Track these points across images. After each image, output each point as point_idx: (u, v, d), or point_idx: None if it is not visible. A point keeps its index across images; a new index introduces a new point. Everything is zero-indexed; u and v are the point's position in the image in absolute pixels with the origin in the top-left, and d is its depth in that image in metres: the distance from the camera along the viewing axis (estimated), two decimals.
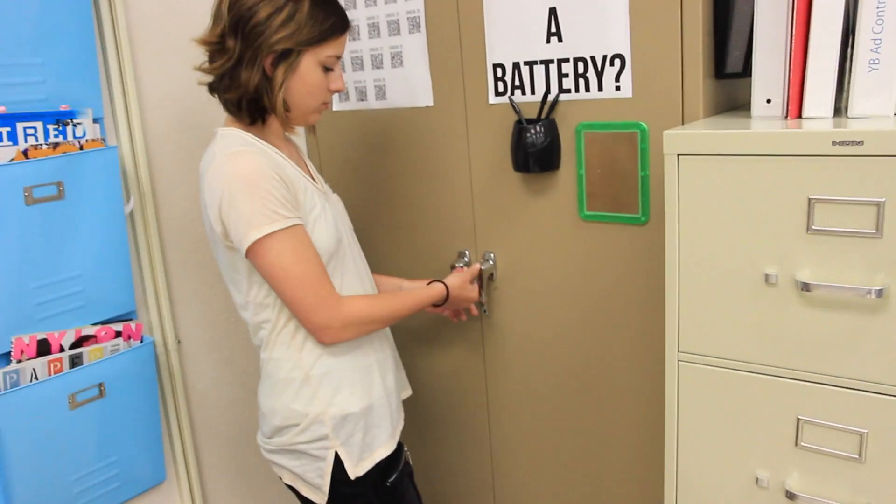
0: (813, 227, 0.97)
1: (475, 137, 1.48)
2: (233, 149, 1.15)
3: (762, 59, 1.10)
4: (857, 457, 1.00)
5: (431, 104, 1.52)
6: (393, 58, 1.56)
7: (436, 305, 1.42)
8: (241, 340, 1.73)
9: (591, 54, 1.28)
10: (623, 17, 1.22)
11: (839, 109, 1.08)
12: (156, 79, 1.49)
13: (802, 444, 1.04)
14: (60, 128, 1.26)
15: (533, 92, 1.38)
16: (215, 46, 1.17)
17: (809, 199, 0.96)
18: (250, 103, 1.18)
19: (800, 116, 1.08)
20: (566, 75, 1.33)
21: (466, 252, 1.56)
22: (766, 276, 1.01)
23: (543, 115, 1.34)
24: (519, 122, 1.36)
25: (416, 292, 1.36)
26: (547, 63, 1.35)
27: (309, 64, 1.19)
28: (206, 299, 1.65)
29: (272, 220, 1.12)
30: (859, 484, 1.01)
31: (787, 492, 1.06)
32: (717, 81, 1.23)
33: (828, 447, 1.02)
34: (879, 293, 0.93)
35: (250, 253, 1.14)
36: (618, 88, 1.26)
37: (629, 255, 1.33)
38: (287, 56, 1.17)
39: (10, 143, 1.20)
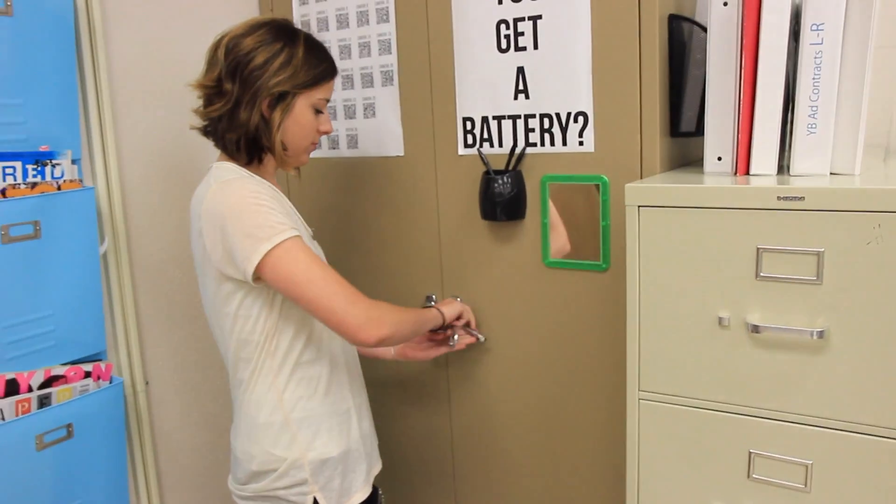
0: (761, 274, 1.06)
1: (444, 186, 1.55)
2: (229, 177, 1.19)
3: (713, 121, 1.21)
4: (803, 486, 1.08)
5: (402, 154, 1.59)
6: (366, 108, 1.62)
7: (433, 332, 1.45)
8: (208, 384, 1.73)
9: (556, 111, 1.37)
10: (586, 78, 1.32)
11: (782, 167, 1.19)
12: (134, 122, 1.52)
13: (754, 475, 1.11)
14: (39, 168, 1.28)
15: (501, 145, 1.46)
16: (212, 90, 1.22)
17: (758, 249, 1.05)
18: (249, 143, 1.23)
19: (747, 173, 1.19)
20: (532, 130, 1.41)
21: (433, 296, 1.62)
22: (720, 319, 1.10)
23: (511, 167, 1.42)
24: (487, 172, 1.43)
25: (424, 311, 1.38)
26: (514, 118, 1.43)
27: (302, 106, 1.24)
28: (175, 342, 1.65)
29: (279, 231, 1.13)
30: None
31: None
32: (671, 139, 1.33)
33: (777, 478, 1.09)
34: (821, 334, 1.02)
35: (262, 267, 1.13)
36: (581, 143, 1.36)
37: (590, 299, 1.41)
38: (283, 98, 1.22)
39: None
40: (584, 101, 1.33)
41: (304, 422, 1.25)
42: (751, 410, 1.10)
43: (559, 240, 1.41)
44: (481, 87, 1.45)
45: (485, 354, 1.56)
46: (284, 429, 1.24)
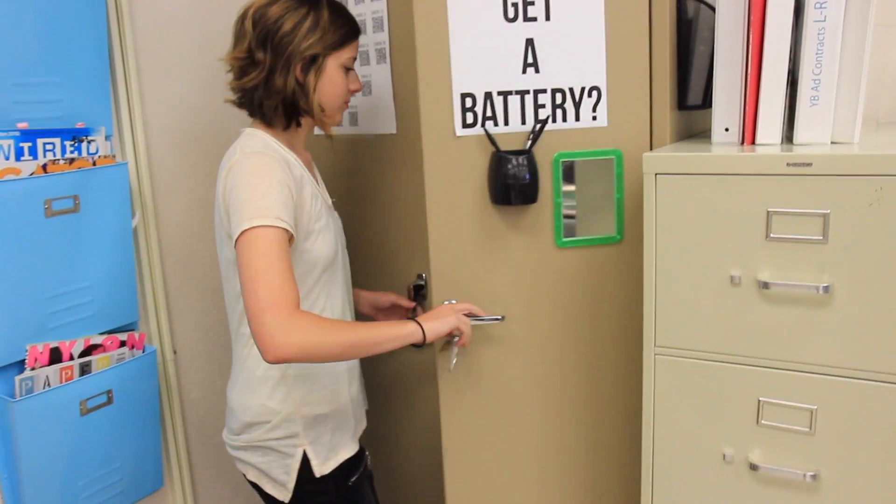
0: (771, 235, 1.14)
1: (439, 166, 1.43)
2: (253, 149, 1.22)
3: (721, 94, 1.29)
4: (808, 430, 1.18)
5: (395, 132, 1.52)
6: (364, 86, 1.59)
7: (417, 346, 1.29)
8: (231, 353, 1.79)
9: (571, 85, 1.40)
10: (601, 51, 1.37)
11: (785, 137, 1.28)
12: (160, 97, 1.56)
13: (762, 421, 1.21)
14: (76, 144, 1.32)
15: (507, 123, 1.39)
16: (245, 61, 1.25)
17: (768, 211, 1.14)
18: (287, 108, 1.27)
19: (753, 143, 1.27)
20: (542, 106, 1.38)
21: (423, 274, 1.51)
22: (732, 278, 1.19)
23: (529, 147, 1.36)
24: (498, 153, 1.36)
25: (385, 328, 1.23)
26: (523, 93, 1.39)
27: (333, 66, 1.29)
28: (201, 312, 1.71)
29: (262, 215, 1.12)
30: (811, 454, 1.18)
31: (750, 464, 1.22)
32: (679, 112, 1.41)
33: (784, 423, 1.19)
34: (826, 289, 1.11)
35: (237, 243, 1.14)
36: (594, 118, 1.41)
37: (606, 272, 1.45)
38: (315, 61, 1.26)
39: (31, 157, 1.25)
40: (599, 76, 1.38)
41: (300, 379, 1.30)
42: (760, 361, 1.19)
43: None
44: (485, 59, 1.37)
45: (502, 339, 1.51)
46: (281, 383, 1.29)
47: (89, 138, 1.34)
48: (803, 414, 1.18)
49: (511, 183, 1.35)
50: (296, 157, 1.30)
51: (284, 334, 1.07)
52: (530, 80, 1.38)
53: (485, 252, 1.45)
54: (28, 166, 1.25)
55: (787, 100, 1.26)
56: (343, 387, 1.37)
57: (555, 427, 1.56)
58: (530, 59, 1.37)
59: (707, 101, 1.38)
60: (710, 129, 1.36)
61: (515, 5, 1.34)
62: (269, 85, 1.25)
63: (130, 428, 1.44)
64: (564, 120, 1.41)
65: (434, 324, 1.28)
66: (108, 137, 1.39)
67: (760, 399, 1.20)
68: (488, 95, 1.38)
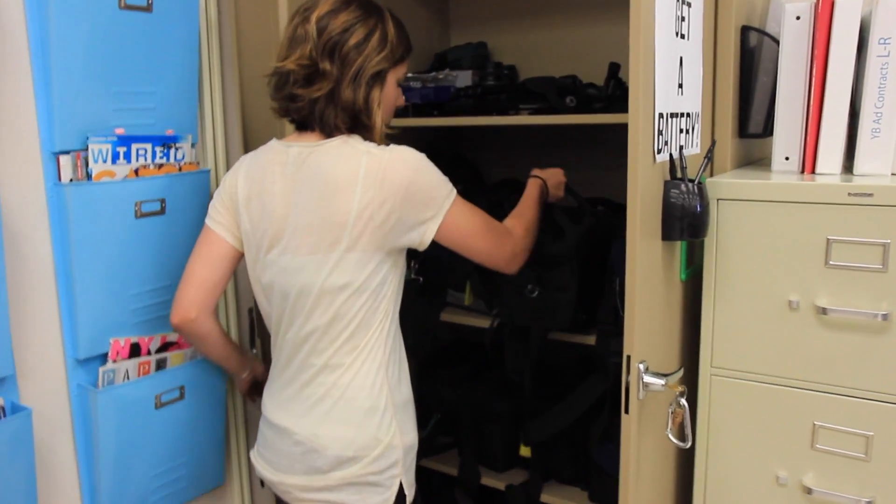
0: (830, 262, 1.18)
1: None
2: (393, 147, 1.20)
3: (783, 123, 1.33)
4: (864, 456, 1.19)
5: None
6: None
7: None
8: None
9: (696, 110, 1.30)
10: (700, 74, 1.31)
11: (844, 168, 1.31)
12: (239, 109, 1.65)
13: (817, 445, 1.23)
14: (165, 150, 1.40)
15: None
16: (310, 69, 1.17)
17: (828, 239, 1.17)
18: (350, 121, 1.19)
19: (813, 172, 1.31)
20: (684, 131, 1.26)
21: None
22: (790, 303, 1.22)
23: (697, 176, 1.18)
24: (677, 179, 1.18)
25: (526, 198, 1.42)
26: (678, 116, 1.22)
27: (391, 82, 1.24)
28: None
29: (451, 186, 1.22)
30: (866, 480, 1.20)
31: (804, 488, 1.24)
32: (740, 140, 1.45)
33: (839, 448, 1.21)
34: (885, 317, 1.14)
35: (448, 216, 1.21)
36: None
37: None
38: (379, 76, 1.21)
39: (126, 161, 1.34)
40: (698, 100, 1.32)
41: (402, 406, 1.25)
42: (816, 386, 1.22)
43: None
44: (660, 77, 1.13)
45: None
46: (387, 412, 1.22)
47: (177, 145, 1.42)
48: (859, 440, 1.20)
49: (682, 215, 1.17)
50: None
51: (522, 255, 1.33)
52: (680, 103, 1.23)
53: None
54: (122, 170, 1.34)
55: (848, 131, 1.30)
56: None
57: None
58: (680, 80, 1.22)
59: (767, 130, 1.41)
60: (768, 157, 1.40)
61: (678, 18, 1.19)
62: (336, 97, 1.17)
63: (199, 424, 1.51)
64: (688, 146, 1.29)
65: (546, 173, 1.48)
66: (193, 145, 1.47)
67: (816, 423, 1.23)
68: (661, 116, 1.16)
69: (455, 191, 1.22)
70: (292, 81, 1.18)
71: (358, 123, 1.20)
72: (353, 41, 1.17)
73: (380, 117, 1.22)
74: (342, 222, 1.14)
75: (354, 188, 1.14)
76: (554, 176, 1.50)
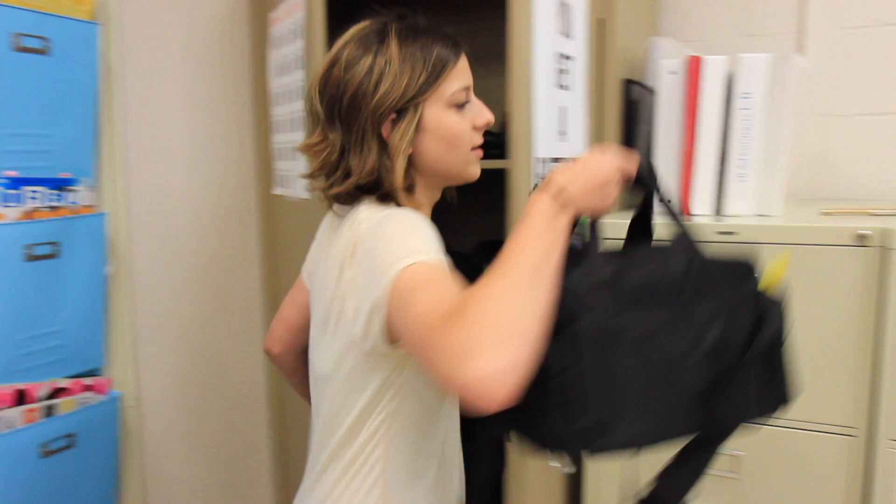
0: None
1: None
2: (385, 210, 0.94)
3: (661, 169, 1.43)
4: (735, 475, 1.26)
5: None
6: None
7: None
8: (195, 402, 1.83)
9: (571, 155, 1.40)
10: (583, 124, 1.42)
11: (717, 209, 1.41)
12: (141, 153, 1.65)
13: None
14: (59, 193, 1.39)
15: None
16: (321, 145, 0.95)
17: None
18: (372, 188, 0.93)
19: (688, 214, 1.40)
20: None
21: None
22: None
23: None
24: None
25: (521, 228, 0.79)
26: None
27: (434, 113, 0.93)
28: (168, 362, 1.75)
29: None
30: (738, 498, 1.26)
31: None
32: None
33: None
34: None
35: None
36: None
37: None
38: (403, 116, 0.92)
39: (17, 203, 1.32)
40: (578, 147, 1.41)
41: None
42: None
43: None
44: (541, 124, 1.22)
45: None
46: None
47: (72, 188, 1.41)
48: (731, 460, 1.26)
49: None
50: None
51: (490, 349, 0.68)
52: (562, 147, 1.35)
53: None
54: (13, 212, 1.31)
55: (719, 176, 1.40)
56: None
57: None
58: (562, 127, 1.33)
59: None
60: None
61: (559, 70, 1.28)
62: (344, 166, 0.93)
63: (90, 471, 1.46)
64: None
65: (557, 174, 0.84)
66: (90, 188, 1.46)
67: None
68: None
69: (425, 261, 0.81)
70: (320, 175, 0.97)
71: (383, 189, 0.94)
72: (349, 94, 0.91)
73: (401, 172, 0.92)
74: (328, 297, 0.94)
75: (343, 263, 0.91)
76: (580, 174, 0.84)
